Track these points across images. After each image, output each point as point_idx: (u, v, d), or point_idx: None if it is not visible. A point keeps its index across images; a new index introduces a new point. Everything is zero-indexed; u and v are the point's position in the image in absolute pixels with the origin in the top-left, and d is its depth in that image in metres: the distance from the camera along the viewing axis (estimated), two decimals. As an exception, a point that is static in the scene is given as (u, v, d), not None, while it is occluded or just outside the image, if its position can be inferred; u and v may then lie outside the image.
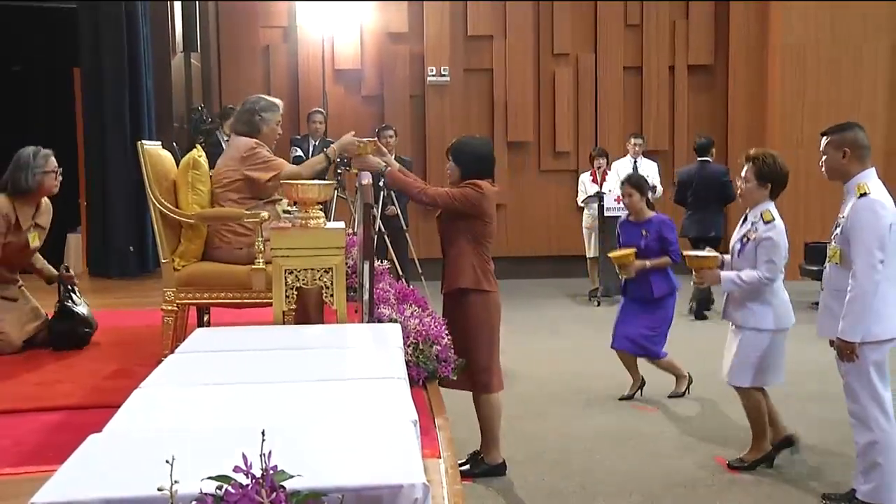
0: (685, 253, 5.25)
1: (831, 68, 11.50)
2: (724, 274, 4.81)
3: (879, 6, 11.43)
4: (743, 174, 4.87)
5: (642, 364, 6.39)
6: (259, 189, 4.44)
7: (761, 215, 4.76)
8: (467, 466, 4.83)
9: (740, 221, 4.96)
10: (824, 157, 4.30)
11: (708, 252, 5.17)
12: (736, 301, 4.88)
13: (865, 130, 4.33)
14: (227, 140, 4.68)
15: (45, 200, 5.00)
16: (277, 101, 4.69)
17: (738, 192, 4.97)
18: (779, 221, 4.77)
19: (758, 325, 4.78)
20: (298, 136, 9.77)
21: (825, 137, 4.31)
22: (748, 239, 4.79)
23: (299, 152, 9.22)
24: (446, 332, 4.20)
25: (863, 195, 4.12)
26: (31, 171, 4.75)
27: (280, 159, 4.57)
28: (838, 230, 4.24)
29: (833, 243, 4.29)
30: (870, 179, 4.19)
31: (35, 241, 4.88)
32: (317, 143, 9.32)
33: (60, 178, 4.91)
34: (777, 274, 4.74)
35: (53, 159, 4.85)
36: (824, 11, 11.44)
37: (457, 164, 4.81)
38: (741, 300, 4.84)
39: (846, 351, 4.13)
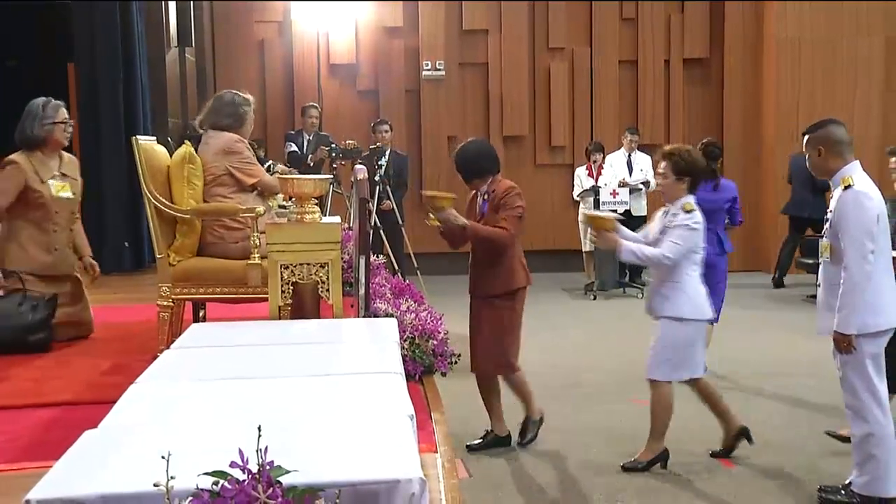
0: (585, 211, 5.31)
1: (826, 63, 11.50)
2: (626, 244, 4.75)
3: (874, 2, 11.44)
4: (661, 170, 4.85)
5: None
6: (242, 186, 4.46)
7: (682, 207, 4.75)
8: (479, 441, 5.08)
9: (661, 215, 4.95)
10: (807, 157, 4.35)
11: (606, 214, 5.18)
12: (653, 290, 4.90)
13: (841, 124, 4.32)
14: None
15: (67, 154, 5.00)
16: (250, 96, 4.74)
17: (658, 187, 4.97)
18: (699, 214, 4.76)
19: (674, 314, 4.74)
20: (292, 132, 9.74)
21: (805, 137, 4.35)
22: (667, 228, 4.79)
23: (294, 147, 9.21)
24: (443, 326, 4.21)
25: (847, 187, 4.13)
26: (39, 121, 4.77)
27: (259, 167, 4.64)
28: (827, 224, 4.25)
29: (824, 238, 4.29)
30: (854, 172, 4.18)
31: (65, 190, 4.86)
32: (311, 138, 9.31)
33: (70, 129, 4.91)
34: (680, 256, 4.67)
35: (64, 110, 4.86)
36: (819, 6, 11.44)
37: (460, 173, 5.08)
38: (657, 288, 4.86)
39: (843, 343, 4.13)
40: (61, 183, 4.86)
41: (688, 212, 4.75)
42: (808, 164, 4.38)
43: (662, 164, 4.85)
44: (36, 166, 4.76)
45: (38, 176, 4.75)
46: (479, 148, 5.10)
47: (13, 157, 4.76)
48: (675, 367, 4.81)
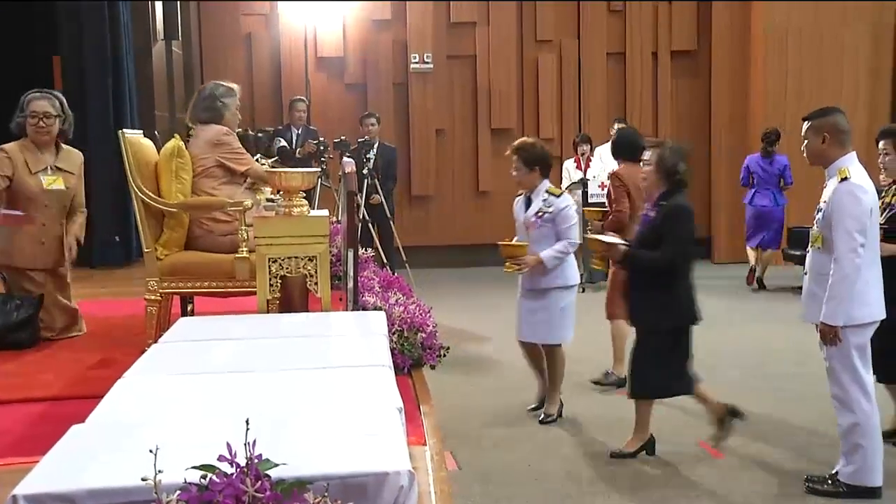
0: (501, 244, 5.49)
1: (813, 53, 11.53)
2: (544, 254, 5.26)
3: (860, -8, 11.47)
4: (514, 163, 5.38)
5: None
6: (234, 176, 4.47)
7: (548, 192, 5.34)
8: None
9: (523, 203, 5.48)
10: (805, 142, 4.33)
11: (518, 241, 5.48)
12: (538, 271, 5.33)
13: (846, 115, 4.35)
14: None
15: (68, 147, 4.95)
16: (235, 85, 4.71)
17: (514, 178, 5.44)
18: (567, 194, 5.42)
19: (565, 283, 5.39)
20: (281, 127, 9.70)
21: (806, 122, 4.33)
22: (543, 213, 5.31)
23: (283, 142, 9.18)
24: (432, 319, 4.22)
25: (844, 179, 4.14)
26: (16, 114, 4.76)
27: (249, 156, 4.64)
28: (820, 215, 4.26)
29: (815, 228, 4.31)
30: (851, 164, 4.20)
31: (57, 183, 4.79)
32: (300, 132, 9.28)
33: (44, 123, 4.75)
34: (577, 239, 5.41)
35: (39, 104, 4.75)
36: (806, -4, 11.48)
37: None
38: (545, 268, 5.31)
39: (829, 335, 4.15)
40: (53, 176, 4.81)
41: (558, 195, 5.37)
42: (804, 149, 4.36)
43: (514, 158, 5.36)
44: (27, 157, 4.72)
45: (27, 167, 4.71)
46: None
47: (5, 146, 4.74)
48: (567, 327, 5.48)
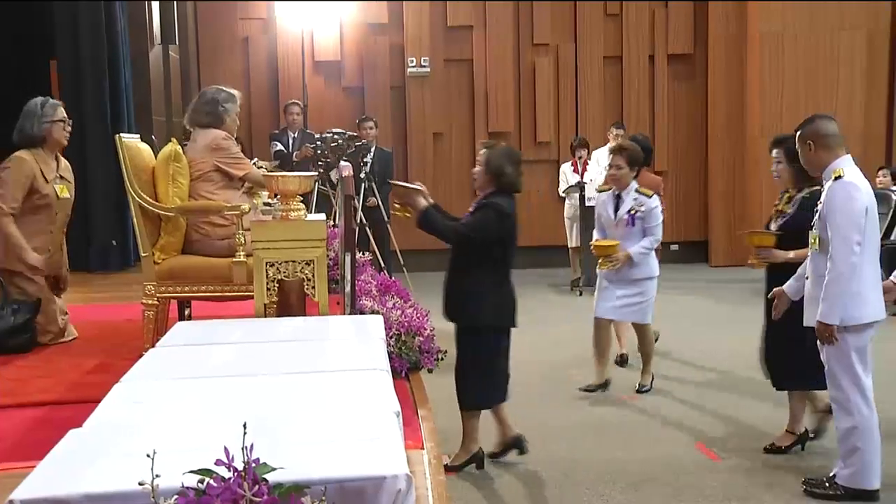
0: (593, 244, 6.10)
1: (809, 57, 11.55)
2: (633, 250, 5.86)
3: (855, -5, 11.50)
4: (613, 162, 5.95)
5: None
6: (231, 180, 4.47)
7: (638, 192, 5.93)
8: None
9: (611, 201, 6.02)
10: (800, 154, 4.39)
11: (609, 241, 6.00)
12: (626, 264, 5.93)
13: (836, 119, 4.35)
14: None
15: (63, 159, 4.95)
16: (235, 91, 4.71)
17: (612, 175, 5.98)
18: (656, 195, 6.04)
19: (654, 273, 6.07)
20: (277, 131, 9.69)
21: (796, 134, 4.38)
22: (636, 211, 5.90)
23: (280, 146, 9.18)
24: (429, 323, 4.22)
25: (837, 178, 4.15)
26: (37, 119, 4.71)
27: (247, 161, 4.66)
28: (817, 216, 4.27)
29: (813, 230, 4.32)
30: (845, 165, 4.22)
31: (64, 192, 4.82)
32: (296, 136, 9.27)
33: (69, 128, 4.84)
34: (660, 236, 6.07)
35: (62, 110, 4.81)
36: (802, 1, 11.49)
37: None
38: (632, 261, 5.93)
39: (825, 334, 4.16)
40: (61, 185, 4.82)
41: (649, 196, 5.94)
42: (801, 160, 4.40)
43: (614, 157, 5.94)
44: (41, 165, 4.72)
45: (43, 175, 4.71)
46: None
47: (19, 153, 4.70)
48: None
